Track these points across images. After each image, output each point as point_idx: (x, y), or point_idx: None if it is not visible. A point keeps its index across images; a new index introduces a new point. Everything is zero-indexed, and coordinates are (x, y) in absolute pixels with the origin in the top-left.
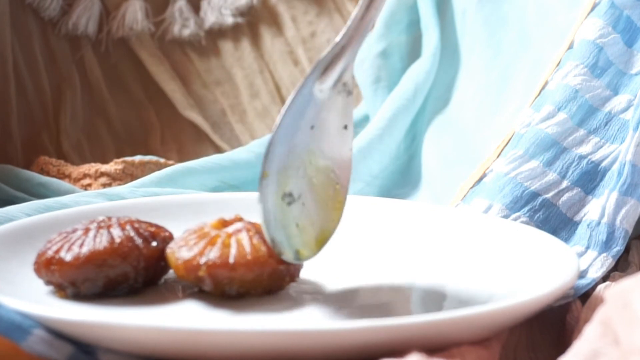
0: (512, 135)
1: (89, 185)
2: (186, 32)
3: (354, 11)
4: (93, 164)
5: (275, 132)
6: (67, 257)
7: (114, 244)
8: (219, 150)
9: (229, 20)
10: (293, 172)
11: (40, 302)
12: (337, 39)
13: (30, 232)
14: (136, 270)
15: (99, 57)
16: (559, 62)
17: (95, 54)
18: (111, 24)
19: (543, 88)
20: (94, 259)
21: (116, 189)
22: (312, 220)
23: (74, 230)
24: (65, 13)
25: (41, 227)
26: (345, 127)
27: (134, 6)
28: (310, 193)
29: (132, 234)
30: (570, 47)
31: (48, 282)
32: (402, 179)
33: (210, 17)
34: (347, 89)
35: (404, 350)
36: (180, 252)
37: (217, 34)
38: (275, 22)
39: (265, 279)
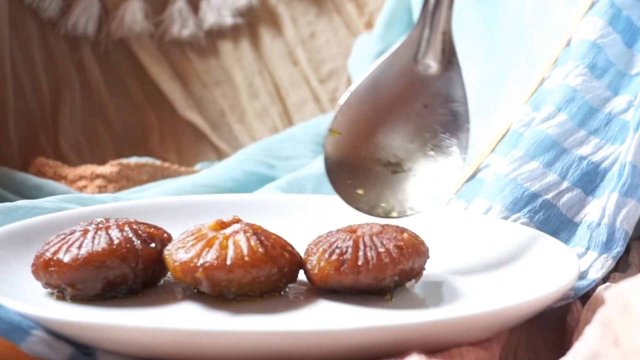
0: (507, 131)
1: (85, 187)
2: (185, 33)
3: None
4: (89, 166)
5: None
6: (66, 258)
7: (112, 246)
8: (218, 150)
9: (229, 20)
10: (402, 143)
11: (40, 303)
12: (417, 21)
13: (29, 234)
14: (135, 271)
15: (98, 58)
16: (556, 60)
17: (95, 55)
18: (110, 24)
19: (540, 85)
20: (93, 261)
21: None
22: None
23: (72, 232)
24: (65, 13)
25: (41, 229)
26: (456, 101)
27: (133, 7)
28: (421, 165)
29: (130, 235)
30: (568, 44)
31: (46, 284)
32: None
33: (209, 18)
34: (455, 67)
35: (404, 350)
36: (177, 254)
37: (216, 34)
38: (274, 23)
39: (262, 281)
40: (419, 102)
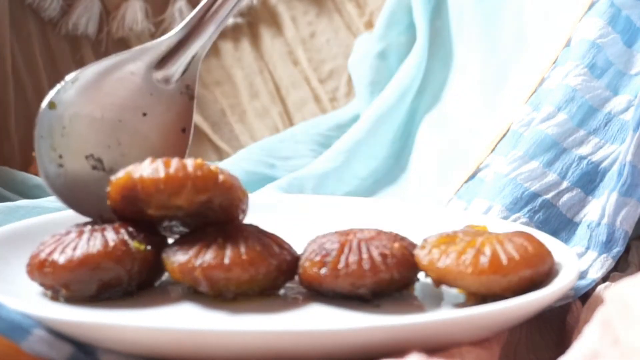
0: (507, 131)
1: None
2: None
3: (197, 7)
4: None
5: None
6: (61, 259)
7: (107, 248)
8: (218, 150)
9: (229, 20)
10: (106, 140)
11: (41, 303)
12: (174, 31)
13: (30, 233)
14: (130, 274)
15: (98, 58)
16: (556, 59)
17: (95, 55)
18: (111, 24)
19: (540, 85)
20: (88, 262)
21: None
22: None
23: (68, 233)
24: (65, 13)
25: (42, 228)
26: (184, 130)
27: (134, 6)
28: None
29: (126, 237)
30: (567, 44)
31: (41, 285)
32: (395, 179)
33: None
34: (190, 93)
35: (404, 350)
36: (175, 255)
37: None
38: (274, 23)
39: (261, 279)
40: (139, 108)
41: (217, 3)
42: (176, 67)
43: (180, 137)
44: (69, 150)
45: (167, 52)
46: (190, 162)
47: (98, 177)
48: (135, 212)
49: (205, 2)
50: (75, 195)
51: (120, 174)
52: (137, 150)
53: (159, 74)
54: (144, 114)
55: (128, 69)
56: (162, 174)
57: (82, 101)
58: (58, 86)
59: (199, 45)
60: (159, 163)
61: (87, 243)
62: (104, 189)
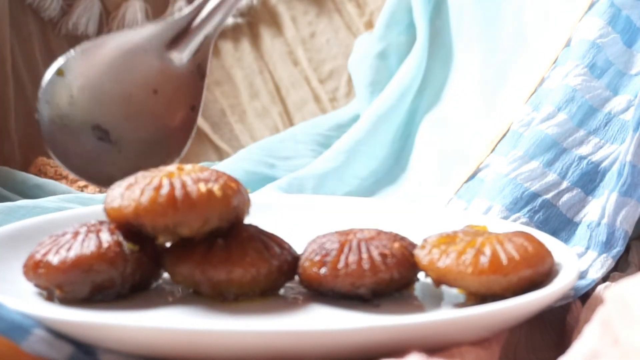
0: (507, 131)
1: (86, 186)
2: None
3: None
4: None
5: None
6: (54, 260)
7: (101, 249)
8: (218, 150)
9: (229, 20)
10: (114, 113)
11: (40, 303)
12: (186, 11)
13: (30, 233)
14: (123, 275)
15: None
16: (556, 59)
17: None
18: (111, 24)
19: (540, 85)
20: (81, 264)
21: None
22: (121, 166)
23: (64, 234)
24: (65, 13)
25: (42, 228)
26: (193, 108)
27: (134, 6)
28: (132, 146)
29: (120, 239)
30: (567, 44)
31: (36, 285)
32: (395, 179)
33: None
34: (201, 73)
35: (403, 350)
36: (176, 257)
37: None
38: (274, 23)
39: (262, 280)
40: (150, 85)
41: None
42: (189, 47)
43: (189, 114)
44: (75, 119)
45: (179, 32)
46: (196, 189)
47: (103, 148)
48: (137, 231)
49: None
50: (74, 159)
51: (120, 202)
52: (145, 126)
53: (172, 53)
54: (155, 91)
55: (141, 45)
56: (169, 210)
57: (93, 73)
58: (67, 54)
59: (212, 25)
60: (165, 190)
61: (81, 244)
62: (108, 160)
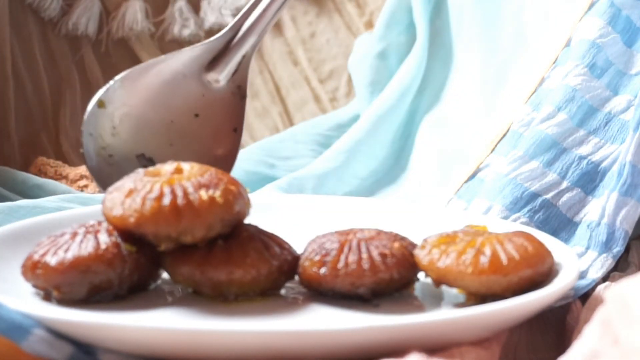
0: (507, 131)
1: (86, 186)
2: (186, 33)
3: (245, 7)
4: None
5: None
6: (52, 261)
7: (98, 251)
8: None
9: (229, 20)
10: (158, 141)
11: (40, 303)
12: (223, 32)
13: (31, 233)
14: (120, 277)
15: (98, 58)
16: (556, 59)
17: (95, 55)
18: (111, 24)
19: (540, 85)
20: (78, 265)
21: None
22: None
23: (63, 234)
24: (65, 13)
25: (42, 228)
26: (235, 130)
27: (134, 6)
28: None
29: (118, 240)
30: (567, 44)
31: (34, 286)
32: (395, 179)
33: (210, 18)
34: (242, 94)
35: (404, 350)
36: (176, 258)
37: (217, 34)
38: (274, 23)
39: (262, 280)
40: (192, 109)
41: (264, 2)
42: (227, 68)
43: (232, 136)
44: (119, 150)
45: (217, 54)
46: (198, 198)
47: None
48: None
49: (253, 1)
50: None
51: (122, 212)
52: (189, 150)
53: (210, 75)
54: (196, 115)
55: (180, 70)
56: (172, 220)
57: (134, 102)
58: (107, 85)
59: (249, 45)
60: (167, 199)
61: (79, 245)
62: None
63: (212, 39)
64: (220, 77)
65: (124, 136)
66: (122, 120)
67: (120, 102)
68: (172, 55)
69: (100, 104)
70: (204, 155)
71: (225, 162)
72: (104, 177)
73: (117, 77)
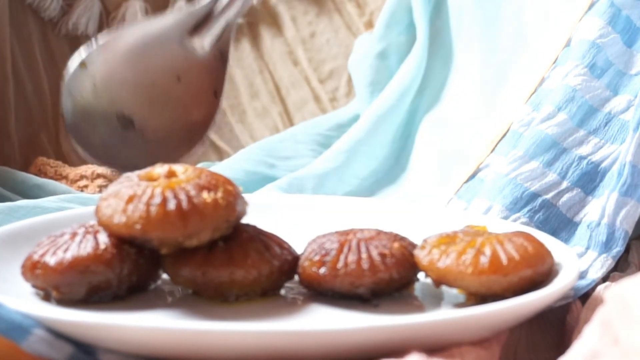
0: (507, 131)
1: (86, 186)
2: None
3: None
4: (90, 166)
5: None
6: (51, 261)
7: (97, 251)
8: (218, 150)
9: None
10: (138, 102)
11: (40, 303)
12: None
13: (31, 233)
14: (119, 277)
15: None
16: (556, 59)
17: None
18: (111, 24)
19: (540, 85)
20: (77, 265)
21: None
22: (145, 153)
23: (62, 234)
24: (65, 13)
25: (42, 228)
26: (216, 93)
27: (134, 6)
28: (156, 133)
29: (117, 240)
30: (567, 44)
31: (33, 286)
32: (395, 179)
33: None
34: (224, 58)
35: (404, 350)
36: (177, 259)
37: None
38: (275, 23)
39: (263, 281)
40: (173, 72)
41: None
42: (210, 34)
43: (212, 100)
44: (99, 109)
45: (201, 19)
46: (202, 201)
47: (127, 136)
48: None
49: None
50: (98, 148)
51: (125, 219)
52: (169, 112)
53: (194, 40)
54: (178, 78)
55: (163, 33)
56: (179, 225)
57: (116, 62)
58: (89, 46)
59: (233, 12)
60: (172, 205)
61: (78, 245)
62: (133, 147)
63: (196, 5)
64: (204, 42)
65: (105, 95)
66: (103, 80)
67: (102, 62)
68: (155, 19)
69: (82, 64)
70: (183, 116)
71: (204, 125)
72: (82, 137)
73: (99, 39)
